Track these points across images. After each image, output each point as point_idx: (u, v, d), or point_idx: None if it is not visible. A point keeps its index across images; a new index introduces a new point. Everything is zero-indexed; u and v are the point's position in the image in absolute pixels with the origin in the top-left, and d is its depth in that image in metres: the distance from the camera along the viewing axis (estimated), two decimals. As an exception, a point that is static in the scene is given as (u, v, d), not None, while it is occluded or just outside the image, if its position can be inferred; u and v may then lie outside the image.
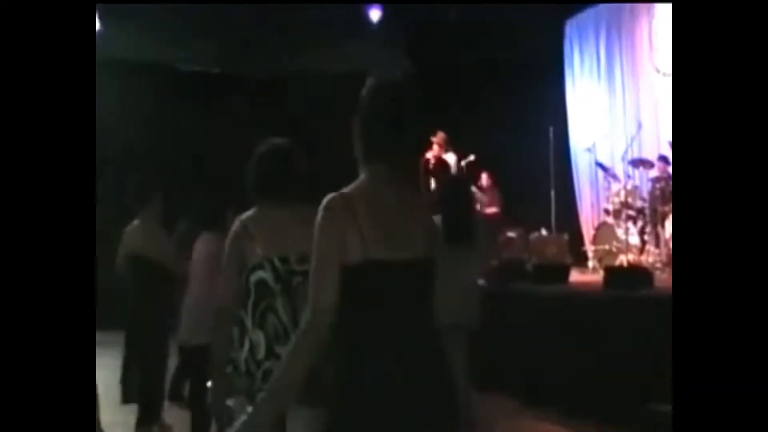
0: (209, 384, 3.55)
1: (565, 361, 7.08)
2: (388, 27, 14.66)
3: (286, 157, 3.58)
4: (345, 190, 2.42)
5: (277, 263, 3.29)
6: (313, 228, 3.13)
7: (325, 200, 2.39)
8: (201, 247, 5.74)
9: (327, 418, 2.46)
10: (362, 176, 2.49)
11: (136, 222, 6.42)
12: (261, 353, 3.28)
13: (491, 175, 12.18)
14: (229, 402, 3.44)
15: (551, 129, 11.41)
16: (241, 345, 3.34)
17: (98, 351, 6.07)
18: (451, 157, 10.90)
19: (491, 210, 11.93)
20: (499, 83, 13.05)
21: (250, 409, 2.74)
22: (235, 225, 3.46)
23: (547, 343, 7.36)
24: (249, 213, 3.50)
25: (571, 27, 12.85)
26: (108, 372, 7.19)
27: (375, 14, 14.56)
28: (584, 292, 8.03)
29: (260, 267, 3.30)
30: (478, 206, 11.76)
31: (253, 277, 3.32)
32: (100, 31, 13.18)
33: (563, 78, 12.73)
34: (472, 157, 11.44)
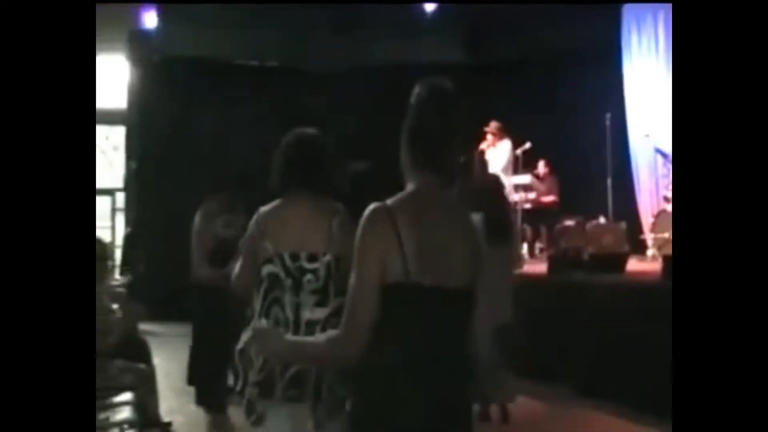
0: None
1: (623, 351, 7.02)
2: (443, 18, 14.62)
3: (312, 147, 3.56)
4: (390, 201, 2.34)
5: (288, 260, 3.30)
6: (330, 224, 3.20)
7: (368, 210, 2.31)
8: None
9: None
10: (409, 187, 2.40)
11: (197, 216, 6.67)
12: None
13: (548, 163, 12.07)
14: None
15: (608, 115, 11.24)
16: (248, 328, 3.40)
17: (161, 341, 6.32)
18: (506, 145, 10.79)
19: (548, 199, 11.83)
20: (555, 70, 12.90)
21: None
22: (254, 217, 3.48)
23: (604, 333, 7.30)
24: (269, 206, 3.49)
25: (628, 10, 12.60)
26: (169, 361, 7.35)
27: (430, 6, 14.54)
28: (642, 282, 7.92)
29: (271, 261, 3.32)
30: (534, 195, 11.70)
31: (265, 269, 3.34)
32: (157, 29, 13.46)
33: (620, 63, 12.50)
34: (528, 145, 11.34)
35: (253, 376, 3.27)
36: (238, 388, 3.36)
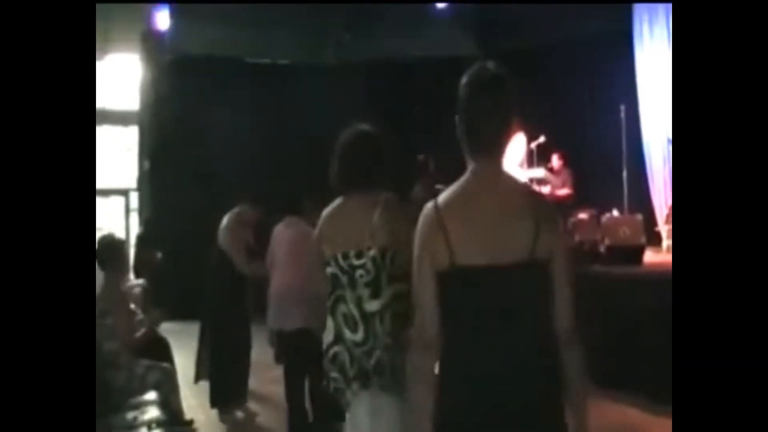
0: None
1: (640, 343, 7.02)
2: (456, 11, 14.60)
3: (370, 145, 3.55)
4: (443, 194, 2.49)
5: (340, 260, 3.37)
6: (372, 217, 3.30)
7: (424, 208, 2.48)
8: (280, 232, 5.95)
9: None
10: (468, 172, 2.51)
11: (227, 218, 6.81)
12: (330, 338, 3.41)
13: (562, 156, 12.06)
14: None
15: (622, 107, 11.22)
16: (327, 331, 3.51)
17: (177, 337, 6.38)
18: (521, 139, 10.80)
19: (563, 192, 11.81)
20: (568, 63, 12.87)
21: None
22: (319, 220, 3.58)
23: (620, 324, 7.30)
24: (328, 208, 3.57)
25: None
26: (186, 360, 7.41)
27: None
28: (658, 273, 7.91)
29: (329, 263, 3.42)
30: (549, 189, 11.69)
31: (328, 270, 3.43)
32: (170, 29, 13.49)
33: (633, 54, 12.47)
34: (542, 139, 11.33)
35: (349, 372, 3.36)
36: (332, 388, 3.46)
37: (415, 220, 2.56)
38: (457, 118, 2.51)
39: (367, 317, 3.32)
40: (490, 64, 2.52)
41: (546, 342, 2.42)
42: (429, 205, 2.47)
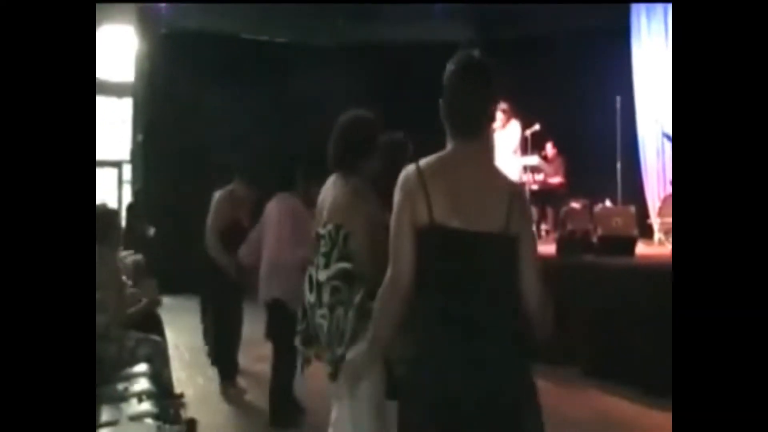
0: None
1: (630, 334, 7.05)
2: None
3: (371, 129, 3.75)
4: (424, 159, 2.58)
5: (319, 229, 3.66)
6: (336, 197, 3.54)
7: (403, 170, 2.58)
8: (270, 208, 5.98)
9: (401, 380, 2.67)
10: (447, 148, 2.63)
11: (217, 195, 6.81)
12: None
13: (556, 145, 12.07)
14: None
15: (618, 98, 11.22)
16: None
17: (168, 311, 6.39)
18: (515, 126, 10.75)
19: (555, 180, 11.84)
20: (566, 53, 12.86)
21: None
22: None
23: (611, 315, 7.33)
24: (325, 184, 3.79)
25: (638, -6, 12.57)
26: (177, 334, 7.42)
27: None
28: (650, 265, 7.94)
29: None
30: (541, 176, 11.70)
31: None
32: (166, 3, 13.40)
33: (630, 46, 12.47)
34: (537, 127, 11.32)
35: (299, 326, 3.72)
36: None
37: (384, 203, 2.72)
38: (441, 100, 2.65)
39: (318, 283, 3.56)
40: (475, 52, 2.67)
41: (512, 310, 2.54)
42: (410, 167, 2.57)
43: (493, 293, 2.50)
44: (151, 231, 12.09)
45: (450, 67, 2.64)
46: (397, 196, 2.56)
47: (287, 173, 6.14)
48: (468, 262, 2.48)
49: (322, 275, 3.53)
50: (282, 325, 5.68)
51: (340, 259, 3.49)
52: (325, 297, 3.50)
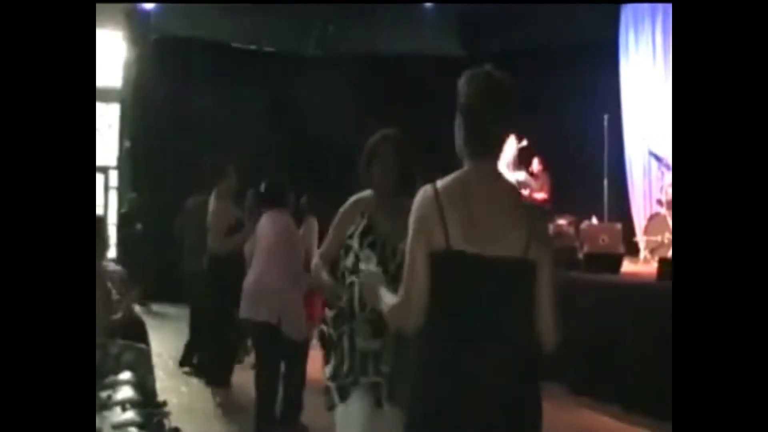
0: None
1: (615, 351, 7.06)
2: (442, 11, 14.62)
3: (402, 150, 3.62)
4: (441, 180, 2.52)
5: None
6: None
7: (420, 190, 2.53)
8: (262, 226, 5.91)
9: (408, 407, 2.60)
10: (464, 167, 2.57)
11: (211, 198, 6.78)
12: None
13: (543, 161, 12.11)
14: None
15: (606, 116, 11.28)
16: None
17: (153, 318, 6.37)
18: (511, 140, 10.72)
19: (539, 195, 11.87)
20: (553, 69, 12.92)
21: None
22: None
23: (598, 332, 7.34)
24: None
25: (626, 11, 12.65)
26: (161, 342, 7.39)
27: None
28: (636, 283, 7.96)
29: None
30: (527, 191, 11.73)
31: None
32: (156, 9, 13.39)
33: (618, 63, 12.55)
34: (524, 142, 11.37)
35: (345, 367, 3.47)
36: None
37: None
38: (458, 119, 2.58)
39: None
40: (493, 70, 2.59)
41: (526, 338, 2.49)
42: (427, 187, 2.52)
43: (509, 319, 2.45)
44: (138, 227, 12.18)
45: (469, 85, 2.57)
46: (413, 217, 2.51)
47: (278, 189, 6.09)
48: (484, 287, 2.44)
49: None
50: (270, 346, 5.75)
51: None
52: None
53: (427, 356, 2.51)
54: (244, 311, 5.86)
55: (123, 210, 13.39)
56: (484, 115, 2.53)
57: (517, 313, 2.46)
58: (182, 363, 8.12)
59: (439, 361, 2.47)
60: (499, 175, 2.60)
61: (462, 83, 2.58)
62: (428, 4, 14.66)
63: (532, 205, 2.65)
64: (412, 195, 2.58)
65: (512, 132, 2.58)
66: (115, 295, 6.02)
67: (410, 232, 2.51)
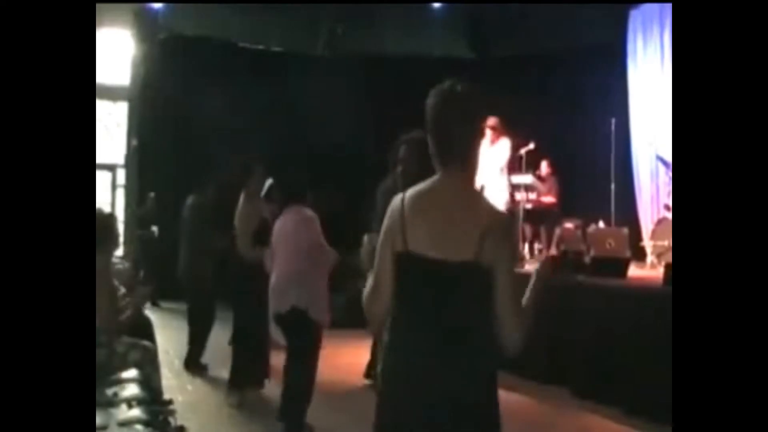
0: None
1: (619, 355, 7.05)
2: (450, 14, 14.61)
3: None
4: (411, 189, 2.71)
5: None
6: None
7: (394, 199, 2.73)
8: (282, 223, 5.97)
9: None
10: (437, 176, 2.70)
11: (240, 198, 6.86)
12: None
13: (550, 164, 12.09)
14: None
15: (613, 120, 11.26)
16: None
17: (160, 317, 6.38)
18: (505, 143, 10.59)
19: (548, 199, 11.85)
20: (561, 73, 12.93)
21: None
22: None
23: (603, 336, 7.33)
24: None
25: (634, 17, 12.63)
26: (167, 341, 7.40)
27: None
28: (642, 287, 7.94)
29: None
30: (535, 195, 11.70)
31: None
32: (164, 8, 13.41)
33: (626, 68, 12.53)
34: (531, 146, 11.33)
35: None
36: None
37: None
38: (426, 132, 2.71)
39: None
40: (455, 83, 2.70)
41: (478, 338, 2.57)
42: (398, 196, 2.72)
43: (460, 320, 2.55)
44: (154, 231, 12.25)
45: (429, 99, 2.69)
46: (384, 223, 2.71)
47: (297, 187, 6.13)
48: (435, 287, 2.57)
49: None
50: (302, 331, 5.79)
51: None
52: None
53: (389, 345, 2.71)
54: (272, 306, 5.97)
55: (141, 210, 13.41)
56: (444, 128, 2.66)
57: (467, 314, 2.56)
58: (187, 365, 8.10)
59: (398, 350, 2.66)
60: (466, 185, 2.71)
61: (428, 97, 2.71)
62: (437, 6, 14.64)
63: (494, 210, 2.67)
64: None
65: (478, 142, 2.62)
66: (122, 293, 6.02)
67: (382, 231, 2.71)
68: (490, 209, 2.67)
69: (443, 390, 2.52)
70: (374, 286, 2.72)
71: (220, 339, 8.23)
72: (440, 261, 2.55)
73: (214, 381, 7.70)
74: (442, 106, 2.66)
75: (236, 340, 7.25)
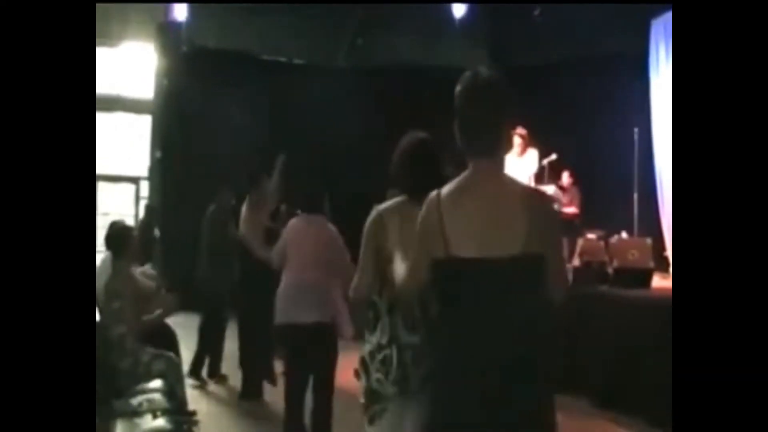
0: None
1: (643, 366, 7.00)
2: (471, 24, 14.62)
3: (434, 154, 3.57)
4: (446, 187, 2.59)
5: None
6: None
7: (428, 198, 2.61)
8: (301, 228, 5.87)
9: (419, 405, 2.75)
10: (465, 172, 2.61)
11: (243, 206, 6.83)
12: (383, 339, 3.38)
13: (572, 174, 12.05)
14: None
15: (636, 130, 11.21)
16: (374, 329, 3.45)
17: (181, 329, 6.42)
18: (533, 154, 10.64)
19: (570, 210, 11.81)
20: (583, 82, 12.88)
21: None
22: (373, 217, 3.53)
23: (623, 347, 7.29)
24: (388, 206, 3.55)
25: (656, 26, 12.57)
26: (188, 351, 7.44)
27: (458, 10, 14.51)
28: (664, 298, 7.89)
29: (391, 261, 3.27)
30: (557, 205, 11.66)
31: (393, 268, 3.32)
32: (187, 21, 13.53)
33: (648, 78, 12.48)
34: (554, 156, 11.30)
35: (392, 375, 3.34)
36: (372, 386, 3.42)
37: None
38: (455, 123, 2.62)
39: (425, 320, 3.28)
40: (484, 70, 2.64)
41: (535, 338, 2.51)
42: (432, 195, 2.60)
43: (516, 317, 2.47)
44: (156, 232, 12.29)
45: (458, 86, 2.62)
46: (418, 223, 2.61)
47: (317, 197, 6.05)
48: (486, 288, 2.47)
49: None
50: (329, 348, 5.59)
51: None
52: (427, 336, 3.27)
53: (437, 351, 2.62)
54: (285, 316, 5.68)
55: (143, 218, 13.48)
56: (473, 115, 2.57)
57: (522, 309, 2.48)
58: (191, 373, 8.11)
59: (451, 367, 2.51)
60: (498, 173, 2.61)
61: (457, 85, 2.63)
62: (457, 16, 14.64)
63: (531, 192, 2.65)
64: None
65: (509, 131, 2.54)
66: (148, 294, 5.99)
67: (418, 235, 2.62)
68: (528, 193, 2.61)
69: (509, 395, 2.43)
70: (410, 274, 2.67)
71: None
72: (488, 261, 2.46)
73: (235, 391, 7.69)
74: (469, 92, 2.59)
75: (245, 349, 7.32)
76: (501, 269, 2.46)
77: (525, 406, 2.45)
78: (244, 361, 7.42)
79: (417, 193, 3.35)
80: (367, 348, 3.45)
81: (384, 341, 3.37)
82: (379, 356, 3.37)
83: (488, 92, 2.58)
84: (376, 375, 3.36)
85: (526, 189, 2.65)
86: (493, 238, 2.46)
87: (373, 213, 3.52)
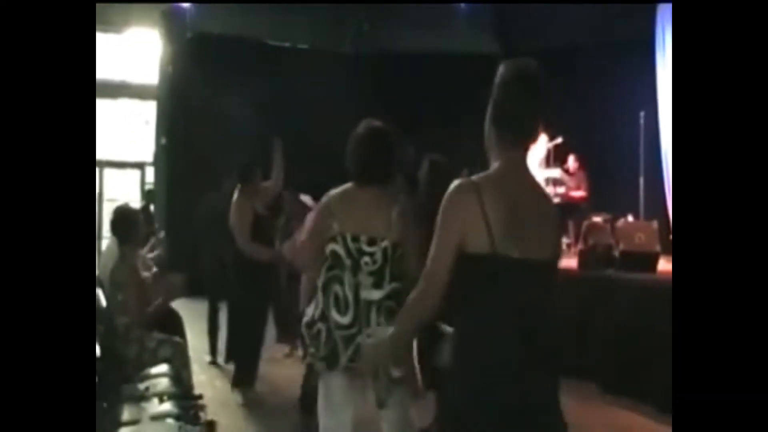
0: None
1: (650, 350, 6.99)
2: (477, 10, 14.57)
3: (387, 141, 3.67)
4: (476, 177, 2.45)
5: (349, 241, 3.50)
6: (391, 212, 3.42)
7: (454, 184, 2.43)
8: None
9: (440, 401, 2.61)
10: (495, 165, 2.50)
11: (234, 195, 6.76)
12: (316, 314, 3.56)
13: (579, 158, 12.03)
14: None
15: (642, 114, 11.16)
16: (310, 302, 3.67)
17: (187, 314, 6.43)
18: (542, 138, 10.64)
19: (577, 194, 11.79)
20: (589, 66, 12.83)
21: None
22: (324, 198, 3.68)
23: (631, 331, 7.28)
24: (338, 189, 3.68)
25: (663, 10, 12.51)
26: (194, 336, 7.46)
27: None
28: (670, 281, 7.86)
29: (334, 240, 3.53)
30: (563, 189, 11.65)
31: (329, 247, 3.55)
32: (191, 7, 13.50)
33: (654, 62, 12.42)
34: (560, 140, 11.29)
35: (321, 350, 3.54)
36: (306, 359, 3.73)
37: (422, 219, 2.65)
38: (491, 110, 2.52)
39: (360, 303, 3.47)
40: (529, 61, 2.54)
41: (556, 337, 2.54)
42: (465, 183, 2.42)
43: (542, 324, 2.45)
44: (161, 234, 12.18)
45: (504, 75, 2.51)
46: (449, 212, 2.41)
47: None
48: (524, 291, 2.41)
49: (373, 295, 3.47)
50: None
51: (393, 279, 3.47)
52: (376, 317, 3.44)
53: (467, 362, 2.43)
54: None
55: (143, 204, 13.46)
56: (516, 105, 2.48)
57: (546, 317, 2.47)
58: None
59: (480, 366, 2.41)
60: (528, 172, 2.56)
61: (497, 74, 2.53)
62: (464, 2, 14.62)
63: (552, 201, 2.64)
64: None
65: (544, 126, 2.46)
66: (150, 282, 5.99)
67: (443, 226, 2.42)
68: (551, 201, 2.59)
69: (537, 388, 2.41)
70: (429, 288, 2.45)
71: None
72: (531, 262, 2.38)
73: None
74: (518, 83, 2.48)
75: (234, 339, 7.34)
76: (541, 272, 2.43)
77: (546, 399, 2.47)
78: (236, 349, 7.40)
79: (362, 180, 3.60)
80: (305, 320, 3.64)
81: (316, 316, 3.55)
82: (313, 330, 3.55)
83: (536, 83, 2.50)
84: (310, 349, 3.57)
85: (550, 198, 2.66)
86: (535, 238, 2.40)
87: (324, 198, 3.68)
